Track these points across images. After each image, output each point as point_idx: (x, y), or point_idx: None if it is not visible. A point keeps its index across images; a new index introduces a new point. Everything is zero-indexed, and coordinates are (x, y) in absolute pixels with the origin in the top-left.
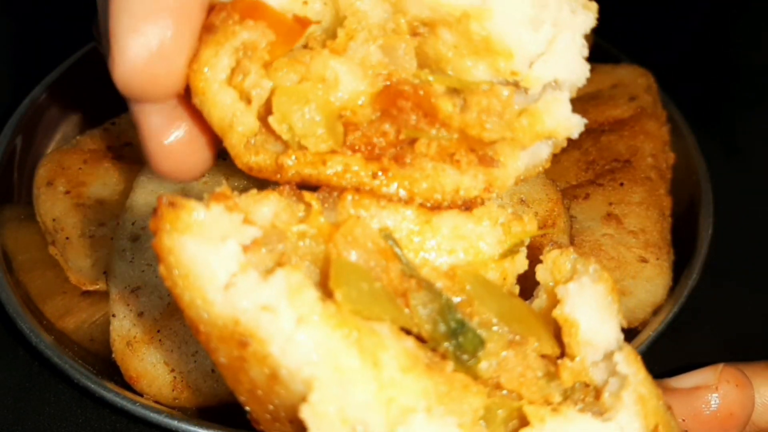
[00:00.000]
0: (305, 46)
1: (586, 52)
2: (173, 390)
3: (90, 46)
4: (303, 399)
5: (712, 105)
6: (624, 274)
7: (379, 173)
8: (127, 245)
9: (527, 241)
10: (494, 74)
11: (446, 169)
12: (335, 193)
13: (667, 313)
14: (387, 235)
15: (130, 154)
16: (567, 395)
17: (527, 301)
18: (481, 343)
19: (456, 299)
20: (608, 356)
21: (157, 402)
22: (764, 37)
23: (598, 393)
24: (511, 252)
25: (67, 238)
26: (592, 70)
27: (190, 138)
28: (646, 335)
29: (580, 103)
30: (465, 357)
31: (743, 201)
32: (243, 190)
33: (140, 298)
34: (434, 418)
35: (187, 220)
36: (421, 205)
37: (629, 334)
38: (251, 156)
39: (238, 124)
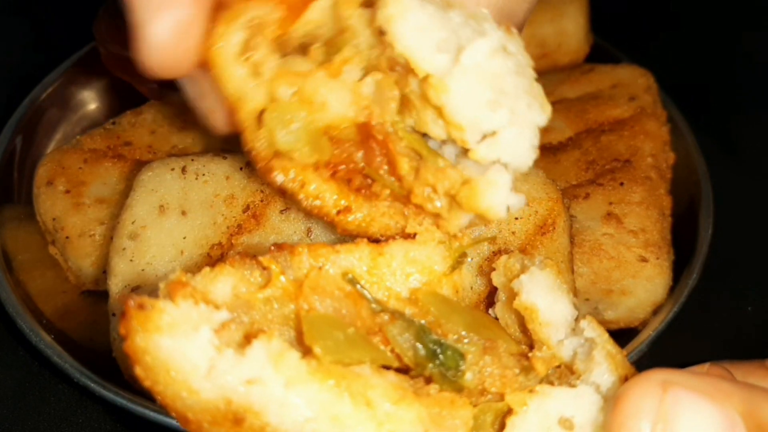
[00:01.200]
0: (304, 53)
1: (536, 142)
2: None
3: (90, 46)
4: None
5: (712, 105)
6: (624, 273)
7: (343, 211)
8: (127, 244)
9: (469, 253)
10: (448, 135)
11: (398, 214)
12: (286, 252)
13: (668, 313)
14: (350, 279)
15: (130, 154)
16: (542, 381)
17: (491, 308)
18: (461, 356)
19: (424, 322)
20: (573, 329)
21: None
22: (764, 37)
23: (570, 368)
24: (457, 264)
25: (67, 237)
26: (591, 71)
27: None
28: (646, 335)
29: (580, 103)
30: (450, 373)
31: (743, 201)
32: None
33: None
34: None
35: (157, 319)
36: (369, 240)
37: (629, 333)
38: (255, 137)
39: (249, 99)
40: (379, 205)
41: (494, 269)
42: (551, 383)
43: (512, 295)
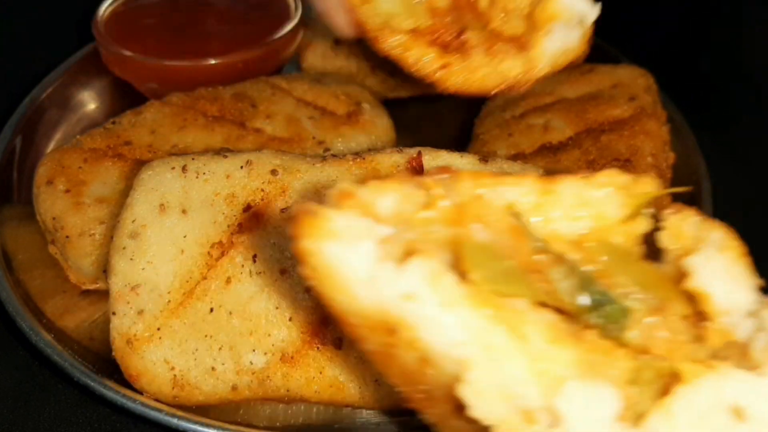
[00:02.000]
0: None
1: None
2: (173, 388)
3: (90, 46)
4: (457, 378)
5: (712, 105)
6: None
7: (443, 67)
8: (127, 243)
9: (649, 203)
10: None
11: (492, 58)
12: (450, 175)
13: None
14: (514, 212)
15: (130, 153)
16: (714, 354)
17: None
18: (626, 313)
19: (591, 269)
20: (752, 314)
21: (157, 400)
22: (765, 37)
23: (743, 348)
24: (634, 215)
25: (66, 237)
26: (591, 71)
27: None
28: None
29: (580, 103)
30: (612, 327)
31: (743, 201)
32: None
33: (140, 295)
34: (586, 385)
35: (324, 226)
36: (539, 177)
37: None
38: (365, 7)
39: None
40: (474, 56)
41: (660, 228)
42: (724, 358)
43: (681, 270)
